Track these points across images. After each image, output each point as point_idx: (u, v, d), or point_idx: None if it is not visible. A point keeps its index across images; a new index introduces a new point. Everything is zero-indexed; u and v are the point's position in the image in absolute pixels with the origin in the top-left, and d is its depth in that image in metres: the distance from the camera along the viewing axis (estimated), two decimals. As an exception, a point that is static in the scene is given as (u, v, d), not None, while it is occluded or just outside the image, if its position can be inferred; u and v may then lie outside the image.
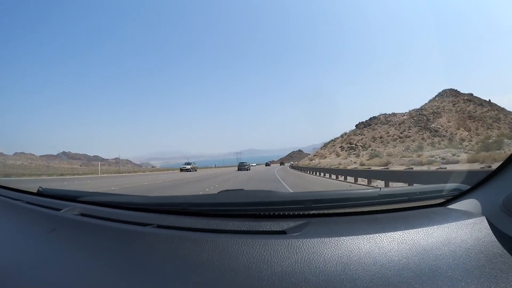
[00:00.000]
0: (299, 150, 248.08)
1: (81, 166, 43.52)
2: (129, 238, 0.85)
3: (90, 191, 1.65)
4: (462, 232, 0.73)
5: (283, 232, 0.78)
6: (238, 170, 32.49)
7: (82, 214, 1.11)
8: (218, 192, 1.26)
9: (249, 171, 30.72)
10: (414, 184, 6.42)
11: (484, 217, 0.78)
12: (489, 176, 0.92)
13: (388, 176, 10.12)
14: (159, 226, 0.90)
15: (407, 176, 9.13)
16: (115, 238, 0.87)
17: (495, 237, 0.70)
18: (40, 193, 1.57)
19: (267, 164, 75.04)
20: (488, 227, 0.74)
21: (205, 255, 0.69)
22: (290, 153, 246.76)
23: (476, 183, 0.96)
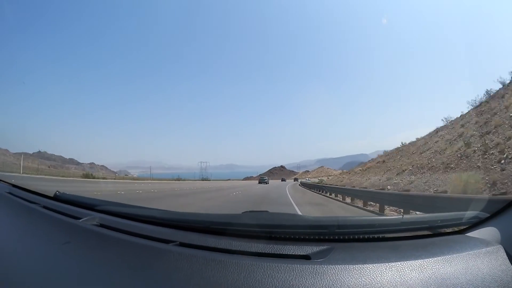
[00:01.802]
0: (281, 166, 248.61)
1: (49, 167, 38.21)
2: (151, 255, 0.82)
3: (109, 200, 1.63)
4: (479, 260, 0.73)
5: (307, 257, 0.78)
6: (259, 183, 39.78)
7: (101, 225, 1.10)
8: (242, 213, 1.26)
9: (268, 184, 38.65)
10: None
11: (501, 246, 0.79)
12: (509, 205, 0.93)
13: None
14: (181, 244, 0.90)
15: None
16: (136, 253, 0.85)
17: (510, 266, 0.71)
18: (57, 198, 1.57)
19: (283, 180, 75.12)
20: (504, 256, 0.74)
21: (231, 277, 0.68)
22: (271, 169, 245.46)
23: (495, 211, 0.97)
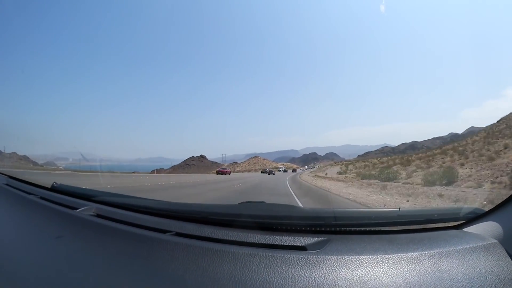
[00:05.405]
0: (201, 156, 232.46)
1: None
2: (147, 245, 0.84)
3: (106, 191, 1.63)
4: (475, 255, 0.75)
5: (303, 248, 0.79)
6: (268, 174, 43.36)
7: (98, 215, 1.12)
8: (239, 203, 1.28)
9: (274, 175, 40.75)
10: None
11: (497, 241, 0.80)
12: (505, 201, 0.94)
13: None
14: (178, 234, 0.91)
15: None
16: (133, 243, 0.86)
17: (507, 262, 0.72)
18: (54, 189, 1.57)
19: (266, 172, 51.56)
20: (501, 251, 0.76)
21: (227, 267, 0.69)
22: (186, 160, 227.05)
23: (492, 208, 0.98)
